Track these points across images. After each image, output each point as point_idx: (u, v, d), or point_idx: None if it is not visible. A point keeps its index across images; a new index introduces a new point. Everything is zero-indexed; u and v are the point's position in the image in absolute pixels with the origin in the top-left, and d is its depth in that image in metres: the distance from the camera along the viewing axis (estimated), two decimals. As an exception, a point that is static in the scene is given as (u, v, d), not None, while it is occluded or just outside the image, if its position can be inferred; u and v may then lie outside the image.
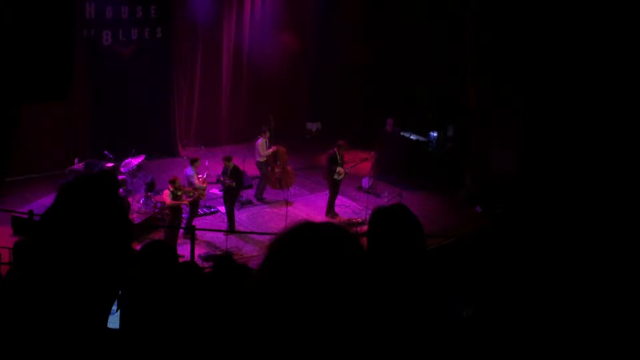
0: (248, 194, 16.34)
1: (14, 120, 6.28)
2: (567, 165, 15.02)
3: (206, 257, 13.06)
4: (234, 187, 14.60)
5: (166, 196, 13.31)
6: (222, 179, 14.62)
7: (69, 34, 6.23)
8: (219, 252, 13.28)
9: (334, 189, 15.74)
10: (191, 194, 13.84)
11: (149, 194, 15.10)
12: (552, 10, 15.16)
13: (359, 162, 16.72)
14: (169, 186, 13.37)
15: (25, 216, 11.60)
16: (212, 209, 15.55)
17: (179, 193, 13.41)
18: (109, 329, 2.31)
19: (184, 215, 14.01)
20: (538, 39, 15.43)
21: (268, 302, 1.63)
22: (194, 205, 14.20)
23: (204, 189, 14.40)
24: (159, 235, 13.66)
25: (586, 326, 6.51)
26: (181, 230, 13.68)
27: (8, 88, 5.96)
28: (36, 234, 2.16)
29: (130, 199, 14.63)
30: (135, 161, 15.69)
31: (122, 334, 3.16)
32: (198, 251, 12.92)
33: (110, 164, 15.39)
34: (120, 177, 15.36)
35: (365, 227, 3.56)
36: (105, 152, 15.56)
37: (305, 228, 1.70)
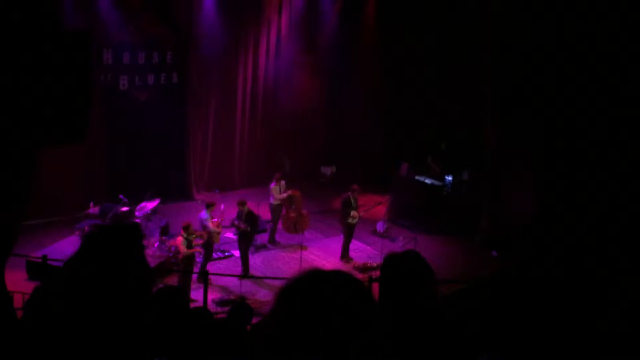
0: (262, 238, 16.30)
1: (31, 164, 6.29)
2: (586, 209, 14.88)
3: (220, 302, 13.00)
4: (249, 231, 14.59)
5: (180, 244, 13.27)
6: (236, 223, 14.61)
7: (87, 79, 6.28)
8: (233, 297, 13.21)
9: (349, 233, 15.68)
10: (202, 236, 13.82)
11: (163, 238, 15.09)
12: (572, 52, 15.18)
13: (374, 206, 16.68)
14: (182, 232, 13.35)
15: (40, 260, 11.60)
16: (227, 253, 15.51)
17: (192, 237, 13.39)
18: None
19: (198, 260, 13.97)
20: (557, 81, 15.42)
21: (275, 349, 1.61)
22: (208, 250, 14.17)
23: (218, 233, 14.38)
24: (172, 279, 13.63)
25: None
26: (195, 275, 13.63)
27: (25, 132, 5.99)
28: (57, 281, 2.14)
29: (144, 243, 14.63)
30: (150, 205, 15.72)
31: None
32: (212, 296, 12.86)
33: (125, 208, 15.42)
34: (135, 221, 15.38)
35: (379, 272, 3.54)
36: (121, 196, 15.60)
37: (312, 276, 1.67)
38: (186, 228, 13.31)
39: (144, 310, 2.29)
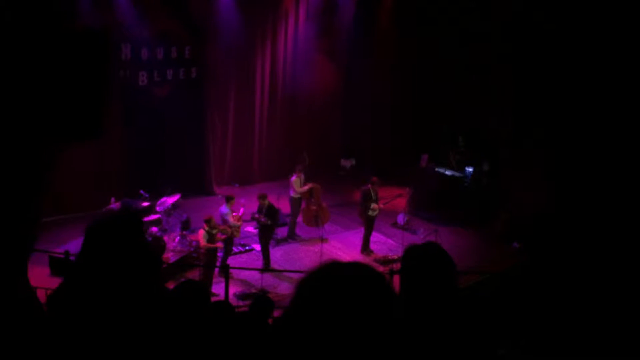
0: (283, 231, 16.33)
1: (51, 161, 6.32)
2: (604, 200, 14.79)
3: (241, 296, 13.04)
4: (270, 225, 14.62)
5: (201, 237, 13.32)
6: (257, 217, 14.64)
7: (106, 76, 6.30)
8: (254, 291, 13.24)
9: (369, 226, 15.66)
10: (225, 231, 13.86)
11: (184, 232, 15.15)
12: (586, 48, 15.10)
13: (394, 198, 16.65)
14: (204, 225, 13.41)
15: (62, 256, 11.70)
16: (247, 247, 15.55)
17: (214, 232, 13.43)
18: None
19: (219, 254, 14.02)
20: (573, 74, 15.34)
21: (294, 342, 1.60)
22: (229, 244, 14.21)
23: (238, 227, 14.41)
24: (194, 274, 13.68)
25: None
26: (216, 269, 13.68)
27: (43, 129, 6.01)
28: (70, 277, 2.15)
29: (165, 238, 14.71)
30: (170, 200, 15.79)
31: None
32: (233, 289, 12.91)
33: (145, 203, 15.50)
34: (155, 216, 15.47)
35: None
36: (141, 191, 15.69)
37: (332, 268, 1.66)
38: (208, 221, 13.36)
39: (156, 294, 2.29)
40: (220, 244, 13.71)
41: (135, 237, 2.21)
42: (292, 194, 16.31)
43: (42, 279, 11.75)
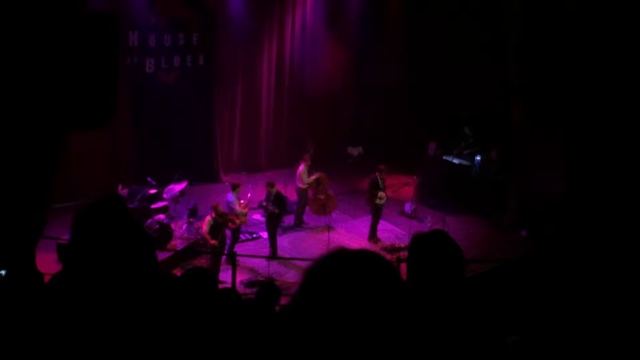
0: (290, 219, 16.33)
1: (59, 148, 6.34)
2: (615, 186, 14.69)
3: (248, 283, 13.07)
4: (277, 213, 14.63)
5: (206, 223, 13.36)
6: (265, 204, 14.66)
7: (114, 62, 6.30)
8: (261, 278, 13.27)
9: (376, 214, 15.65)
10: (234, 221, 13.88)
11: (191, 219, 15.17)
12: (596, 28, 14.94)
13: (401, 187, 16.61)
14: (212, 213, 13.43)
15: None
16: (255, 235, 15.56)
17: (221, 220, 13.44)
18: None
19: (226, 242, 14.04)
20: (584, 57, 15.19)
21: (301, 330, 1.59)
22: (236, 232, 14.23)
23: (245, 215, 14.43)
24: (201, 261, 13.71)
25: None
26: (223, 257, 13.70)
27: (53, 115, 6.02)
28: (65, 265, 2.16)
29: (173, 225, 14.74)
30: (177, 187, 15.81)
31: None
32: (240, 277, 12.93)
33: (153, 191, 15.52)
34: (163, 203, 15.48)
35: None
36: (148, 178, 15.70)
37: (339, 255, 1.66)
38: (215, 208, 13.39)
39: (151, 270, 2.28)
40: (227, 232, 13.72)
41: (121, 217, 2.21)
42: (300, 185, 16.28)
43: (50, 264, 11.79)
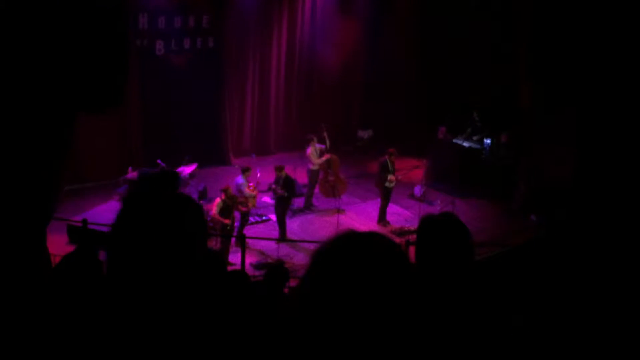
0: (299, 202, 16.35)
1: (69, 130, 6.36)
2: (626, 170, 14.60)
3: (257, 265, 13.12)
4: (286, 196, 14.65)
5: (215, 205, 13.41)
6: (274, 187, 14.68)
7: (124, 44, 6.30)
8: (270, 261, 13.31)
9: (386, 197, 15.65)
10: (245, 204, 13.93)
11: (201, 202, 15.20)
12: (606, 5, 14.78)
13: (411, 170, 16.58)
14: (221, 195, 13.47)
15: (80, 224, 11.79)
16: (264, 217, 15.60)
17: (231, 203, 13.48)
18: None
19: (235, 224, 14.08)
20: (593, 39, 15.06)
21: (309, 312, 1.60)
22: (245, 214, 14.26)
23: (254, 197, 14.46)
24: (210, 243, 13.75)
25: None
26: (233, 239, 13.75)
27: (63, 97, 6.03)
28: (109, 246, 2.10)
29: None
30: (187, 170, 15.84)
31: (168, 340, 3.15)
32: (249, 259, 12.97)
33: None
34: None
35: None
36: (158, 160, 15.72)
37: (348, 237, 1.66)
38: (225, 190, 13.44)
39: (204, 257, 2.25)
40: (227, 222, 13.69)
41: (175, 195, 2.16)
42: (311, 167, 16.26)
43: (60, 246, 11.85)
